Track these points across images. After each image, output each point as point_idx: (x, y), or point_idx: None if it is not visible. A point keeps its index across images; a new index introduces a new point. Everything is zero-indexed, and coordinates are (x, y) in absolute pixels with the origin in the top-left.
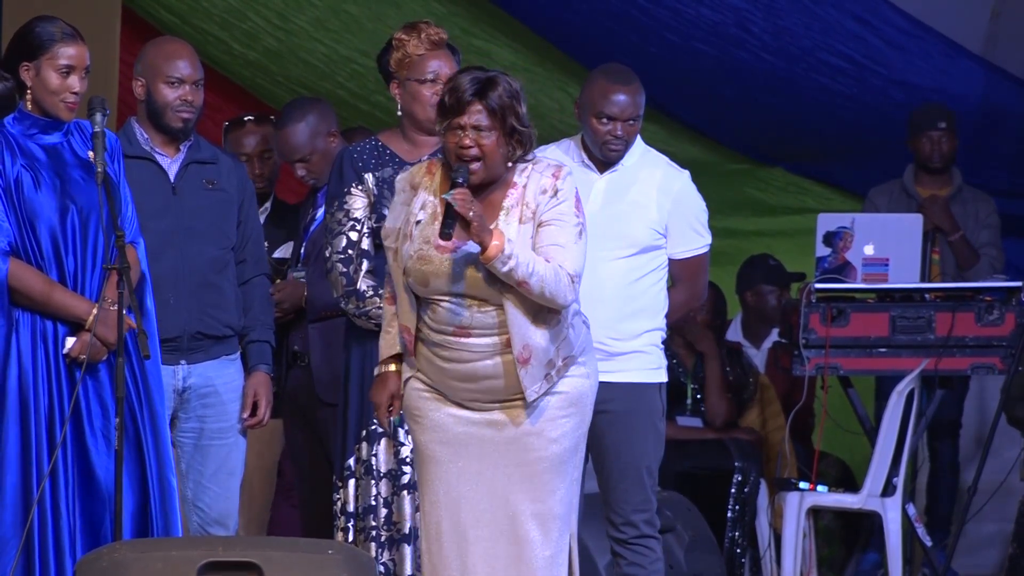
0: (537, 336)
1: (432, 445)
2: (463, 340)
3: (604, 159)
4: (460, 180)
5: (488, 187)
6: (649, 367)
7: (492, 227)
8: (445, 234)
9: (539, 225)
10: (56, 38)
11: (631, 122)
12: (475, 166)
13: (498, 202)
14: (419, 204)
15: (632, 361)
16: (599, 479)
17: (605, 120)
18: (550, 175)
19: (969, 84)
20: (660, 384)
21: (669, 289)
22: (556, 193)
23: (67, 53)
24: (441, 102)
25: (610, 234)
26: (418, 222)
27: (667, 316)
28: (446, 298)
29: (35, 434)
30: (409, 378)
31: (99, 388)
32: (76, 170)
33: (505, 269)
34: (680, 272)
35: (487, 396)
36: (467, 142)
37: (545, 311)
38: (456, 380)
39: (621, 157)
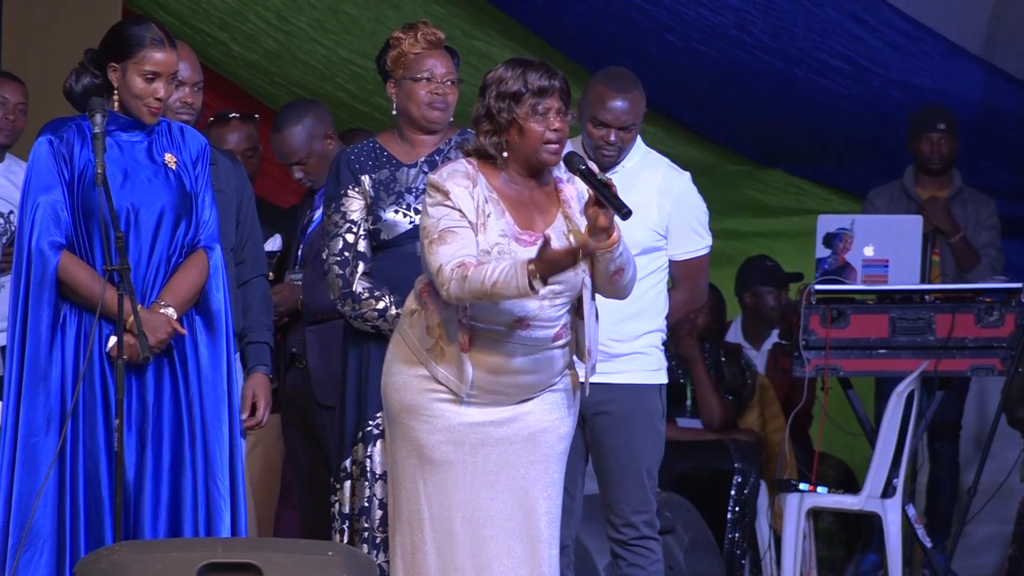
0: (594, 328)
1: (442, 446)
2: (519, 332)
3: (598, 163)
4: (583, 167)
5: (535, 178)
6: (649, 368)
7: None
8: (626, 213)
9: None
10: (144, 43)
11: (625, 130)
12: (556, 149)
13: (554, 194)
14: (482, 199)
15: (632, 362)
16: (599, 480)
17: (600, 126)
18: None
19: (969, 85)
20: (660, 385)
21: (669, 291)
22: None
23: (153, 59)
24: (513, 90)
25: None
26: (488, 215)
27: (667, 317)
28: None
29: (71, 432)
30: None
31: (142, 389)
32: (145, 169)
33: (616, 254)
34: (680, 273)
35: (514, 391)
36: (558, 125)
37: (594, 306)
38: (487, 372)
39: (615, 163)
